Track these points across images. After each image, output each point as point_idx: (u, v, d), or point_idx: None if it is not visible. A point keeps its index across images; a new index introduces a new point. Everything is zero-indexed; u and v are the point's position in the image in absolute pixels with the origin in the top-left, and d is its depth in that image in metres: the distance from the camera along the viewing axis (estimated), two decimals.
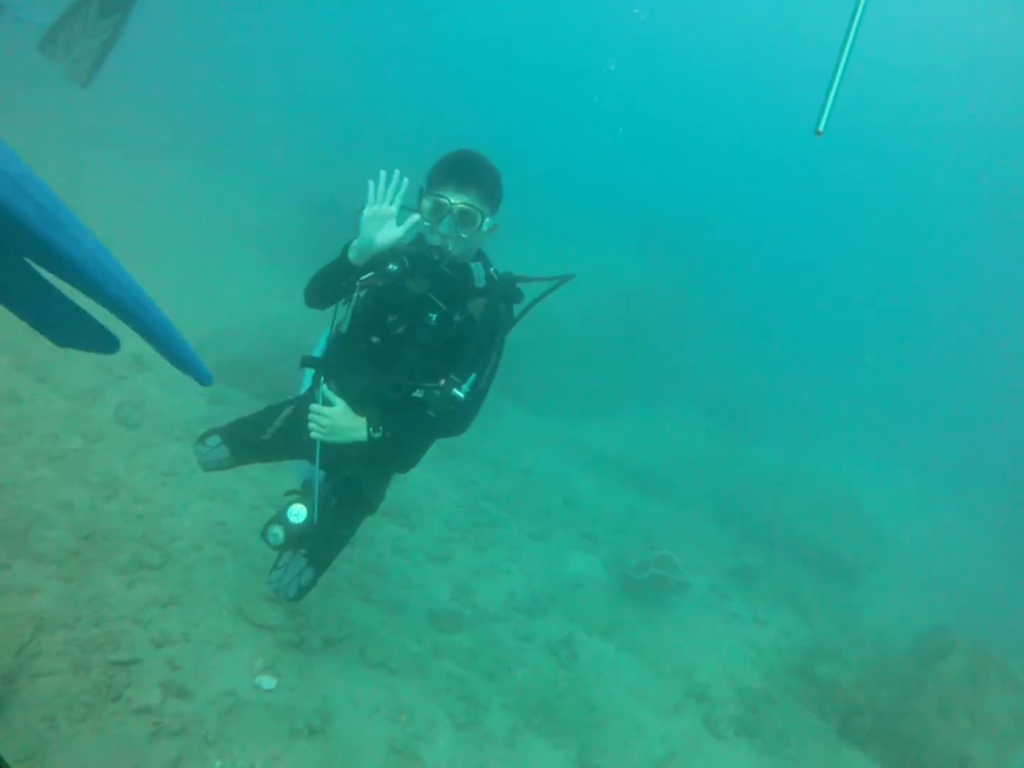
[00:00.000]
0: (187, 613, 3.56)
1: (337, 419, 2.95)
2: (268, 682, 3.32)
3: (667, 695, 4.68)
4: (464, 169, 3.00)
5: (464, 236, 2.94)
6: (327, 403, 3.00)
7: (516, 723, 3.72)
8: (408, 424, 3.06)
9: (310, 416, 2.98)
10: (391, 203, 2.89)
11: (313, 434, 2.97)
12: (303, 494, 3.24)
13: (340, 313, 3.13)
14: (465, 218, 2.94)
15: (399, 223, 2.89)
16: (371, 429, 2.95)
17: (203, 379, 0.96)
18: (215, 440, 3.38)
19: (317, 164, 14.01)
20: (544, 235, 11.02)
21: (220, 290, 8.89)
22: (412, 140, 12.56)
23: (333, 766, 3.10)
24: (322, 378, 3.09)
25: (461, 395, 2.90)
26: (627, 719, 3.95)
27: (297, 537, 3.07)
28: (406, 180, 2.91)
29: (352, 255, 2.91)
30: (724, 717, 4.78)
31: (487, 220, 3.00)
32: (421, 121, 16.95)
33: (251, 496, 4.50)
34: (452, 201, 2.92)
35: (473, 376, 2.96)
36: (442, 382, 2.92)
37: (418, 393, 2.99)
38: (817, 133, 2.47)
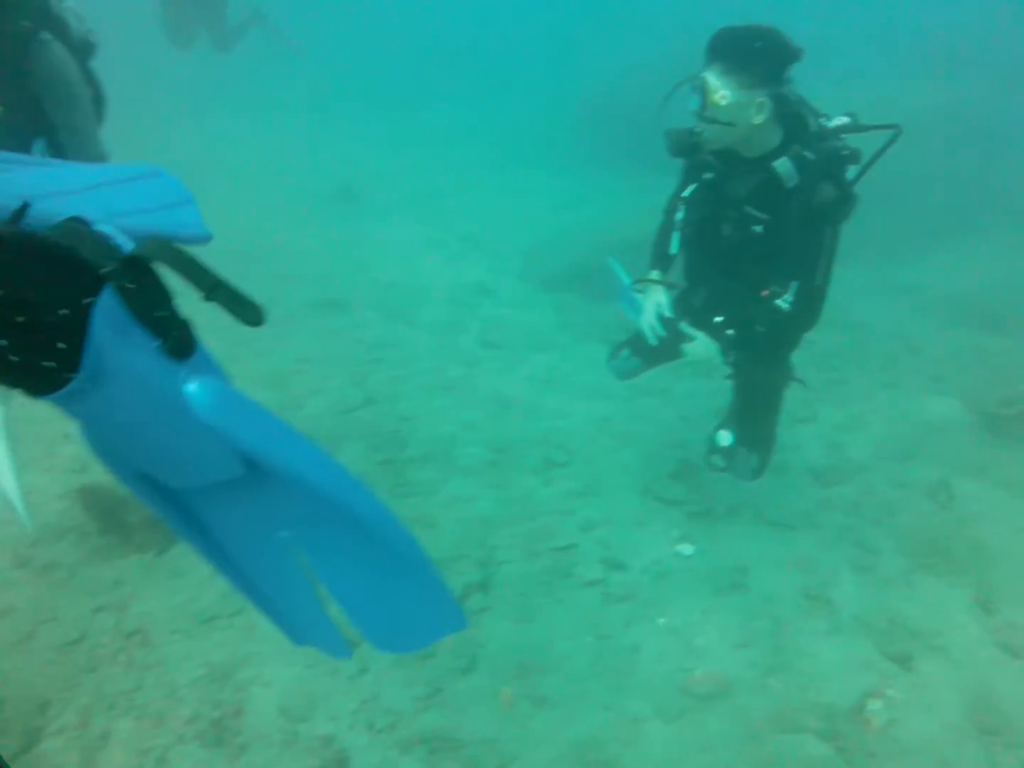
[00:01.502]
0: (602, 500, 4.30)
1: (698, 354, 3.43)
2: (687, 549, 3.96)
3: None
4: (718, 44, 2.94)
5: (723, 122, 2.95)
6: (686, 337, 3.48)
7: (909, 564, 4.03)
8: (756, 346, 3.42)
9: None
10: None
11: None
12: (726, 421, 3.82)
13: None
14: (715, 103, 2.94)
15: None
16: (725, 358, 3.46)
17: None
18: (626, 353, 3.99)
19: (572, 68, 14.12)
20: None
21: (526, 207, 9.60)
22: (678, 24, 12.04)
23: (757, 614, 3.64)
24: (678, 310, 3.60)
25: (785, 306, 3.11)
26: (1018, 557, 4.09)
27: (730, 457, 3.71)
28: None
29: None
30: None
31: (752, 102, 2.92)
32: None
33: (622, 389, 5.09)
34: (708, 82, 2.93)
35: (794, 284, 3.10)
36: (765, 292, 3.16)
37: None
38: None
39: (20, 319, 0.70)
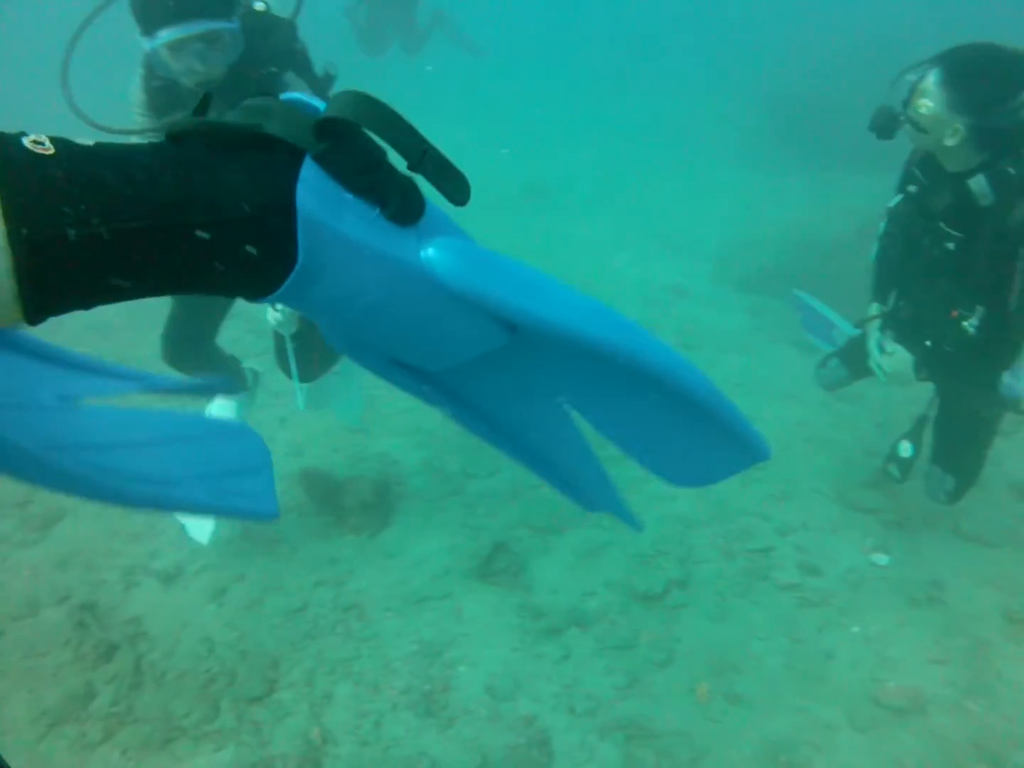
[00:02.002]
0: (798, 505, 4.39)
1: (894, 368, 3.49)
2: (882, 559, 4.00)
3: None
4: (953, 54, 2.88)
5: (918, 126, 2.94)
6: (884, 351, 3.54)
7: None
8: (950, 366, 3.38)
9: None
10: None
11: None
12: (911, 433, 3.84)
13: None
14: (916, 107, 2.93)
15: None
16: (918, 374, 3.46)
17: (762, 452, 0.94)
18: (835, 363, 4.07)
19: (756, 61, 13.75)
20: None
21: (713, 206, 9.59)
22: None
23: (954, 631, 3.64)
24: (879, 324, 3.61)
25: (971, 329, 3.05)
26: None
27: (907, 469, 3.80)
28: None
29: None
30: None
31: (949, 124, 2.87)
32: None
33: (816, 394, 5.11)
34: (921, 83, 2.90)
35: (980, 309, 3.04)
36: (954, 314, 3.12)
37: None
38: None
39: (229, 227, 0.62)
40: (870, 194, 7.58)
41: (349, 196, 0.69)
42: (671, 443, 1.01)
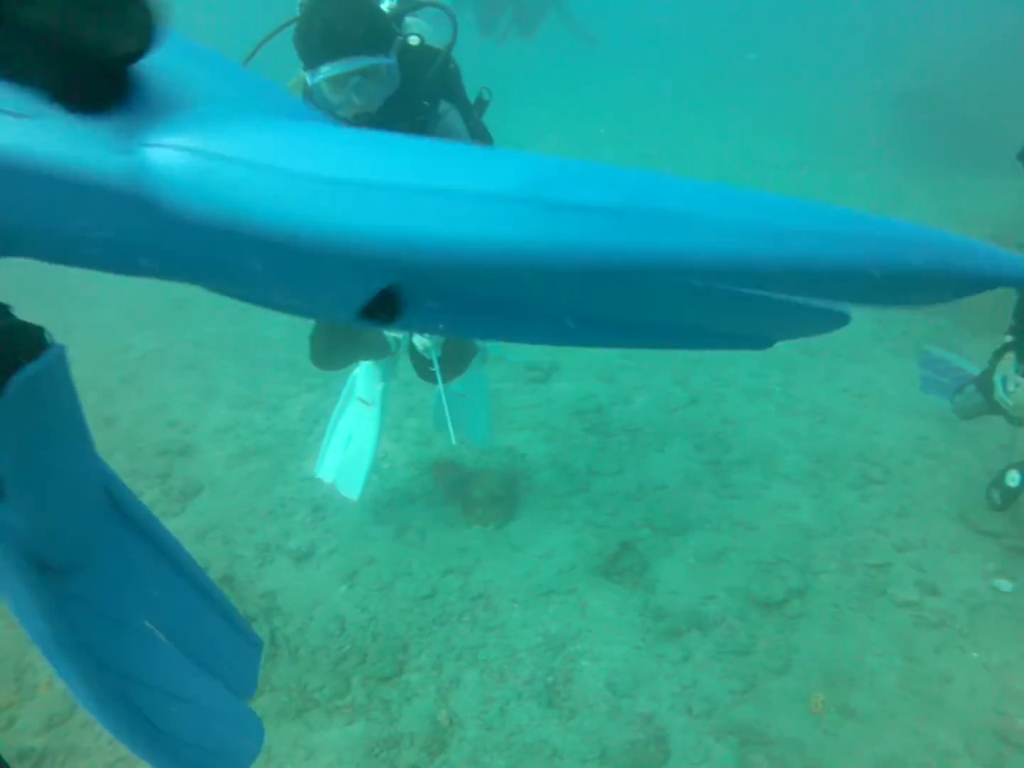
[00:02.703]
0: (917, 522, 4.39)
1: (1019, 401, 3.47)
2: (1005, 584, 3.99)
3: None
4: None
5: None
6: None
7: None
8: None
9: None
10: None
11: None
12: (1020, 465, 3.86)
13: None
14: None
15: None
16: None
17: None
18: (971, 389, 4.08)
19: (882, 53, 13.38)
20: None
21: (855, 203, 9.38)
22: None
23: None
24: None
25: None
26: None
27: (1010, 499, 3.84)
28: None
29: None
30: None
31: None
32: None
33: (938, 410, 5.07)
34: None
35: None
36: None
37: None
38: None
39: None
40: (1001, 200, 7.46)
41: None
42: None
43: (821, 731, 3.31)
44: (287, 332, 7.13)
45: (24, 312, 0.84)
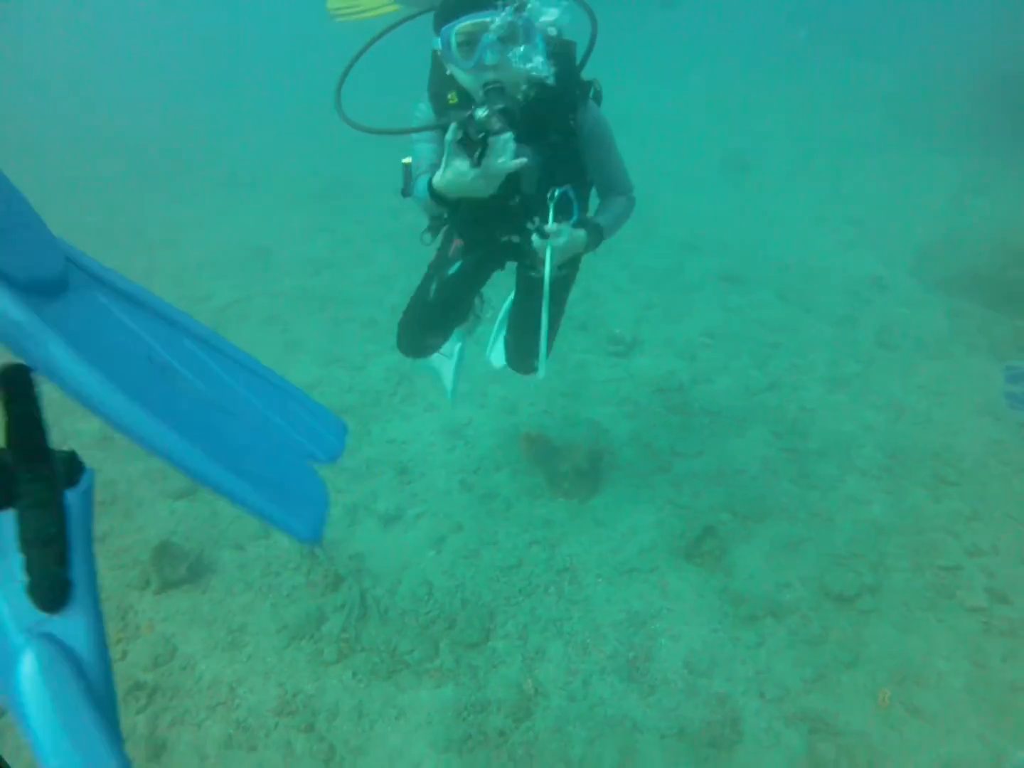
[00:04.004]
0: (989, 527, 4.52)
1: None
2: None
3: None
4: None
5: None
6: None
7: None
8: None
9: None
10: None
11: None
12: None
13: None
14: None
15: None
16: None
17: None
18: None
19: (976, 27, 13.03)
20: None
21: (916, 193, 9.44)
22: None
23: None
24: None
25: None
26: None
27: None
28: None
29: None
30: None
31: None
32: None
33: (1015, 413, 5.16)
34: None
35: None
36: None
37: None
38: None
39: None
40: None
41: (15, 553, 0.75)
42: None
43: (887, 726, 3.47)
44: (366, 290, 7.35)
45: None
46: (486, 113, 2.54)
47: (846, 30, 15.84)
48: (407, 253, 7.89)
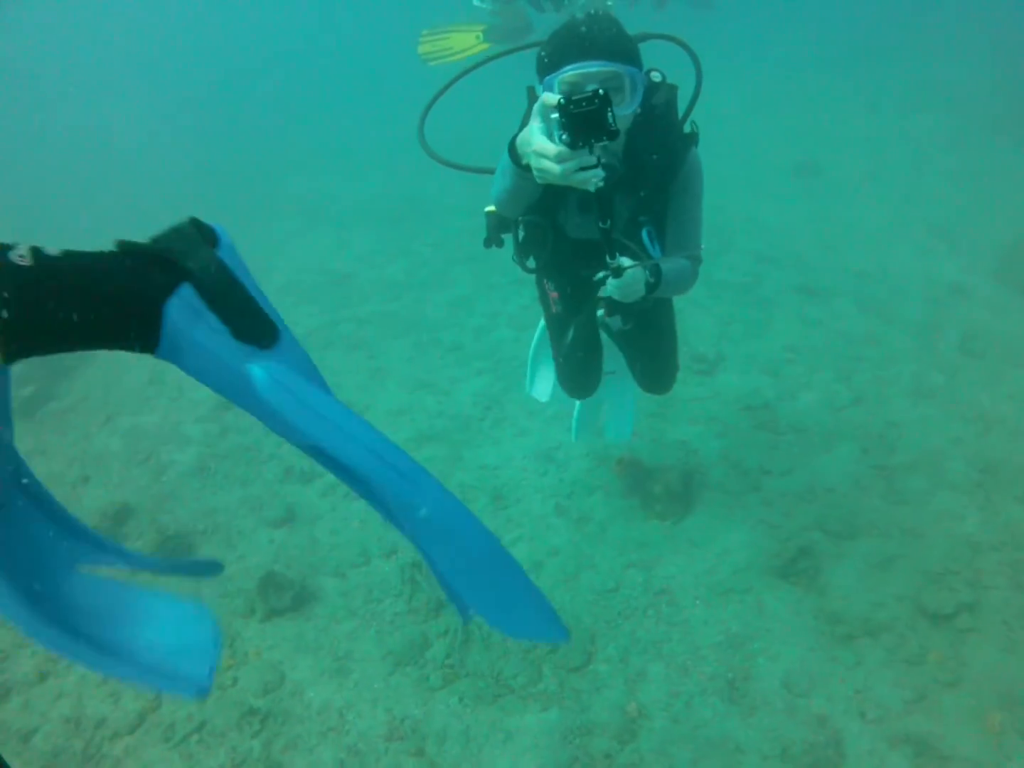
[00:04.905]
0: None
1: None
2: None
3: None
4: None
5: None
6: None
7: None
8: None
9: None
10: None
11: None
12: None
13: None
14: None
15: None
16: None
17: None
18: None
19: None
20: None
21: (996, 194, 9.24)
22: None
23: None
24: None
25: None
26: None
27: None
28: None
29: None
30: None
31: None
32: None
33: None
34: None
35: None
36: None
37: None
38: None
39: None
40: None
41: (210, 314, 0.99)
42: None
43: (1000, 754, 3.43)
44: (448, 313, 7.52)
45: None
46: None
47: (903, 27, 15.53)
48: (486, 275, 8.10)
